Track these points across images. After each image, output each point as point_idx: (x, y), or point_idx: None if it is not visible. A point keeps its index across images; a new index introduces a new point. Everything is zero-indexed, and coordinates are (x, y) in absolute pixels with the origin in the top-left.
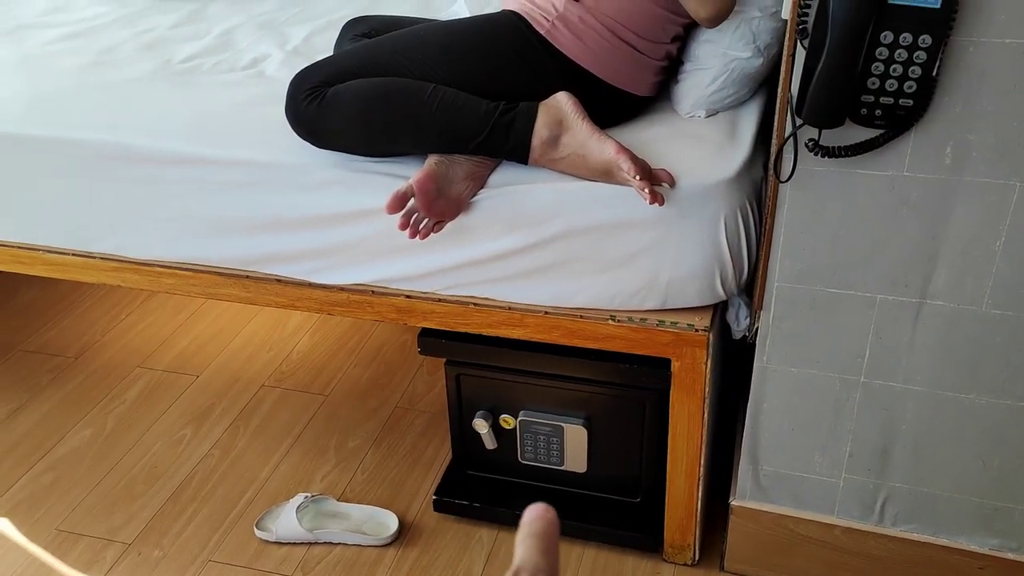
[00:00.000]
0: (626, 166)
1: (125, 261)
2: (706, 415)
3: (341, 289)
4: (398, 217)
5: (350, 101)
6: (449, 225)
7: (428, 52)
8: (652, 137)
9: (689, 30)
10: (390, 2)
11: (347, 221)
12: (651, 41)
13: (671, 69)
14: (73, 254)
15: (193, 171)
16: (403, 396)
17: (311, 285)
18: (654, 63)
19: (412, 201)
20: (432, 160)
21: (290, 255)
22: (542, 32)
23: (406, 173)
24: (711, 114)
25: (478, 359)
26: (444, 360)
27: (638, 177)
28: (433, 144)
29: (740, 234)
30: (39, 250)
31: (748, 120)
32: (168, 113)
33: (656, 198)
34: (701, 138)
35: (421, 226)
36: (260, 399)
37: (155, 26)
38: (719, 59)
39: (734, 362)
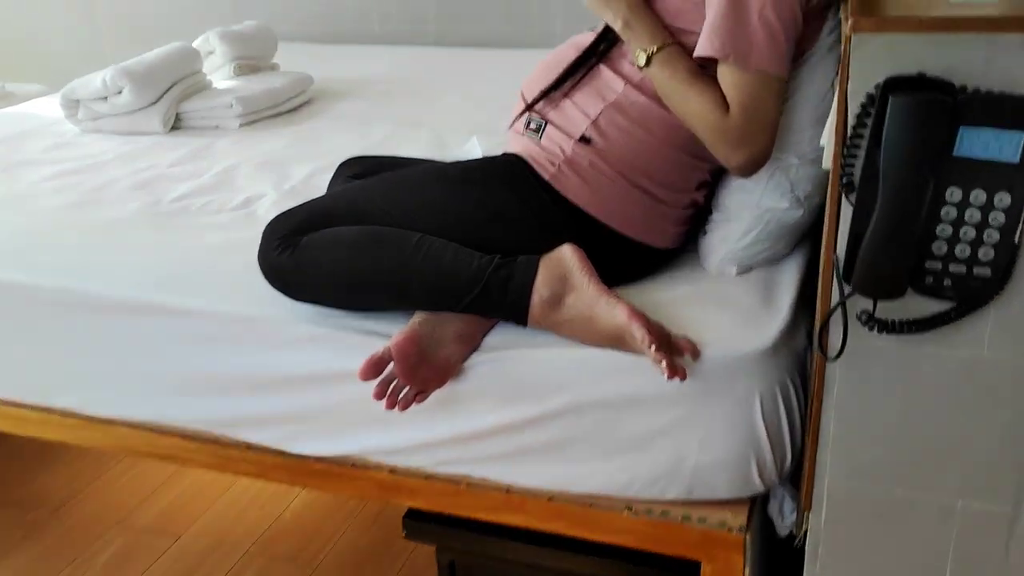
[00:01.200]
0: (639, 334)
1: (86, 418)
2: None
3: (318, 459)
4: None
5: (324, 251)
6: (437, 393)
7: (416, 197)
8: (673, 299)
9: (717, 176)
10: (404, 143)
11: (322, 384)
12: (672, 189)
13: (699, 217)
14: (31, 408)
15: (161, 323)
16: (403, 569)
17: (283, 454)
18: (676, 212)
19: (391, 366)
20: (416, 319)
21: (261, 418)
22: (546, 177)
23: (390, 330)
24: (744, 271)
25: (472, 547)
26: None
27: (654, 347)
28: (418, 301)
29: (780, 415)
30: None
31: (788, 279)
32: (141, 259)
33: (676, 372)
34: (731, 300)
35: (400, 396)
36: (240, 570)
37: (155, 163)
38: (752, 210)
39: (782, 563)
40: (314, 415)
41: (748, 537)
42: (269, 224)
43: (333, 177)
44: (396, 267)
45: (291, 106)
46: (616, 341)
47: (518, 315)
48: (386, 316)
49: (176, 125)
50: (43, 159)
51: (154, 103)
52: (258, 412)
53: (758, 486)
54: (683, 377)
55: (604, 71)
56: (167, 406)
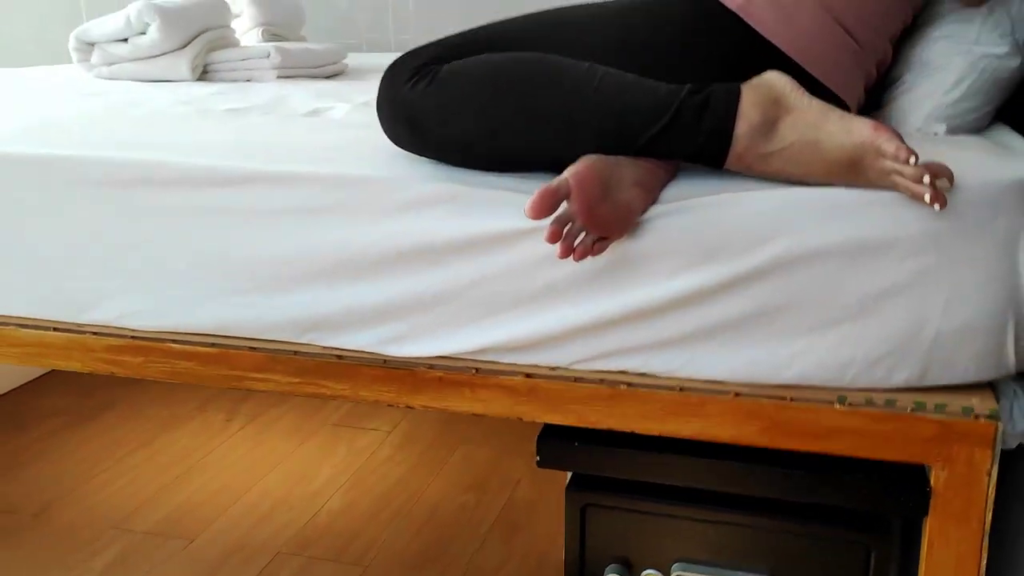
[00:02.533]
0: (892, 146)
1: (126, 335)
2: (983, 561)
3: (429, 366)
4: (535, 249)
5: (474, 78)
6: (600, 256)
7: (579, 26)
8: None
9: (907, 35)
10: None
11: (452, 255)
12: (872, 33)
13: (873, 91)
14: (55, 328)
15: (237, 195)
16: (465, 573)
17: (385, 363)
18: (868, 65)
19: (565, 205)
20: (590, 156)
21: (362, 315)
22: (732, 7)
23: (534, 187)
24: (953, 132)
25: (625, 473)
26: (565, 485)
27: (913, 160)
28: (591, 138)
29: None
30: (9, 324)
31: (1010, 138)
32: (207, 135)
33: (938, 197)
34: (964, 146)
35: (578, 241)
36: (274, 570)
37: (196, 96)
38: (964, 56)
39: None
40: (432, 301)
41: (1000, 428)
42: (394, 63)
43: None
44: (564, 95)
45: (326, 72)
46: (852, 168)
47: (718, 149)
48: (527, 177)
49: (202, 77)
50: (63, 95)
51: (182, 47)
52: (359, 304)
53: (1010, 364)
54: (943, 204)
55: None
56: (240, 307)
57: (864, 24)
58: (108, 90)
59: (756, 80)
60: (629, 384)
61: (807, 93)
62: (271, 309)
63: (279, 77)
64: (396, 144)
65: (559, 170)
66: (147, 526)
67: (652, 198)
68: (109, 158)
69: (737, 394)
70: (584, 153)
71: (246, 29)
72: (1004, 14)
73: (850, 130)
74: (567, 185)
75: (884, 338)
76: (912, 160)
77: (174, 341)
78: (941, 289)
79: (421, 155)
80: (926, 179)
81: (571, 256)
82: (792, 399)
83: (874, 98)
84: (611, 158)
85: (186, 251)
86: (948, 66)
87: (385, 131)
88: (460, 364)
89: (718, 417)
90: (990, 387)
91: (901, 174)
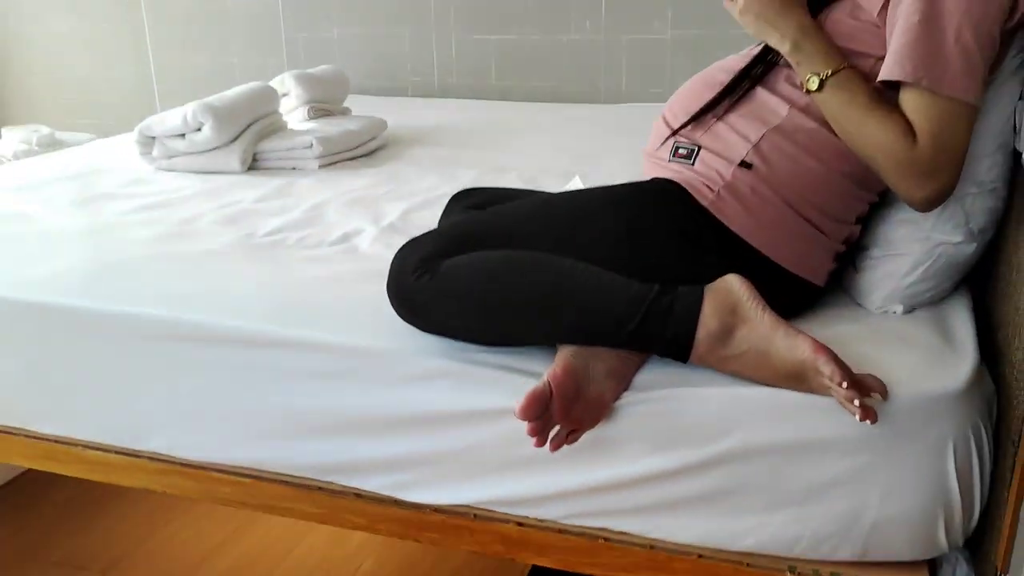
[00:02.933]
0: (827, 369)
1: (176, 463)
2: None
3: (435, 510)
4: (523, 423)
5: (467, 276)
6: (582, 436)
7: (561, 220)
8: (839, 336)
9: (875, 210)
10: (494, 184)
11: (451, 424)
12: (834, 220)
13: (845, 257)
14: (117, 452)
15: (266, 356)
16: None
17: (397, 503)
18: (833, 246)
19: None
20: (567, 351)
21: (375, 463)
22: (705, 204)
23: (529, 367)
24: (909, 310)
25: None
26: None
27: (844, 384)
28: (569, 332)
29: (973, 465)
30: (78, 446)
31: (959, 318)
32: (243, 289)
33: (868, 414)
34: (907, 339)
35: (553, 434)
36: None
37: (239, 199)
38: (921, 244)
39: None
40: (435, 459)
41: None
42: (403, 248)
43: (447, 208)
44: (545, 294)
45: (367, 149)
46: (795, 379)
47: (680, 350)
48: (518, 351)
49: (252, 166)
50: (121, 193)
51: (232, 141)
52: (372, 456)
53: (942, 546)
54: (874, 420)
55: (762, 94)
56: (269, 449)
57: (826, 215)
58: (162, 200)
59: (719, 284)
60: (607, 539)
61: (761, 304)
62: (298, 453)
63: (321, 167)
64: (404, 321)
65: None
66: None
67: (624, 385)
68: (159, 318)
69: (700, 556)
70: (567, 341)
71: (293, 107)
72: (958, 207)
73: (794, 348)
74: (548, 387)
75: (827, 521)
76: (844, 384)
77: (216, 471)
78: (877, 483)
79: (426, 332)
80: (856, 402)
81: (547, 447)
82: (748, 564)
83: (848, 259)
84: (587, 351)
85: (225, 399)
86: (908, 251)
87: (394, 309)
88: (461, 509)
89: (684, 573)
90: (927, 565)
91: (837, 392)
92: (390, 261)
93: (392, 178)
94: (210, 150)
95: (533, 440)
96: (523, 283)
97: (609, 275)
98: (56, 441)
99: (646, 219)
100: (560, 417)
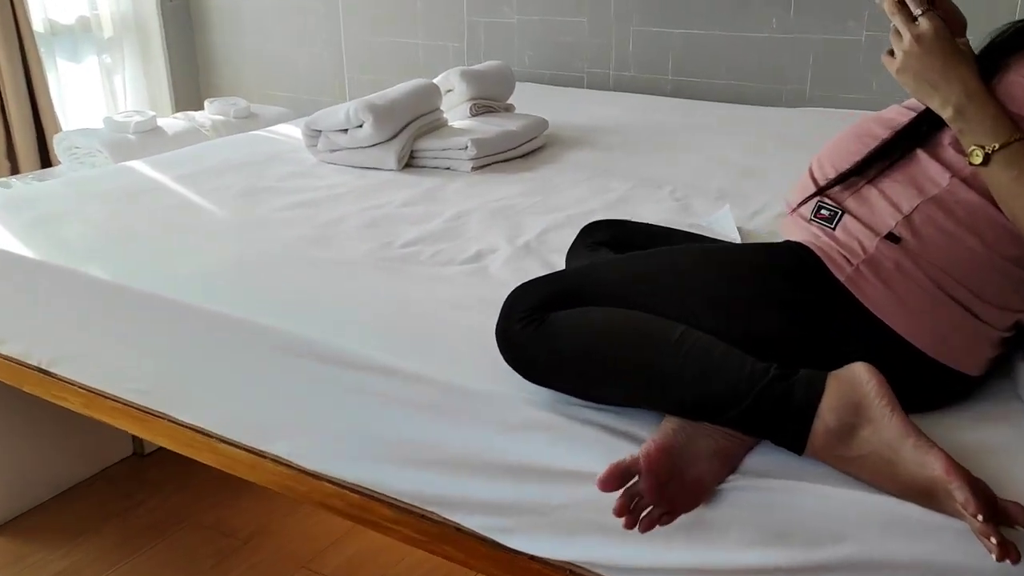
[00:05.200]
0: (961, 496)
1: (295, 469)
2: None
3: (531, 558)
4: (615, 495)
5: (572, 332)
6: (684, 515)
7: (678, 282)
8: (994, 443)
9: None
10: (644, 203)
11: (549, 478)
12: (996, 306)
13: (1013, 342)
14: (246, 449)
15: (376, 381)
16: None
17: (497, 545)
18: (994, 334)
19: (636, 478)
20: (670, 426)
21: (478, 503)
22: (841, 278)
23: (633, 431)
24: None
25: None
26: None
27: (980, 517)
28: (674, 405)
29: None
30: (212, 437)
31: None
32: (368, 312)
33: (1008, 552)
34: None
35: (644, 514)
36: None
37: (388, 201)
38: None
39: None
40: (536, 510)
41: None
42: (513, 294)
43: (576, 241)
44: (653, 361)
45: (525, 151)
46: (923, 495)
47: (794, 441)
48: (630, 412)
49: (409, 162)
50: (282, 187)
51: (391, 139)
52: (475, 496)
53: None
54: (1016, 560)
55: (923, 158)
56: (378, 471)
57: (981, 299)
58: (315, 198)
59: (845, 373)
60: None
61: (891, 403)
62: (403, 479)
63: (474, 168)
64: (509, 365)
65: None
66: (331, 568)
67: (731, 467)
68: (281, 331)
69: None
70: (672, 413)
71: (456, 104)
72: None
73: (923, 464)
74: (637, 465)
75: None
76: (980, 516)
77: (329, 481)
78: None
79: (529, 381)
80: (992, 539)
81: (636, 528)
82: None
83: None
84: (690, 427)
85: (338, 416)
86: None
87: (500, 352)
88: (558, 563)
89: None
90: None
91: (971, 523)
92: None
93: (542, 187)
94: (370, 146)
95: (622, 520)
96: (628, 350)
97: (724, 347)
98: (195, 430)
99: (773, 289)
100: (652, 497)
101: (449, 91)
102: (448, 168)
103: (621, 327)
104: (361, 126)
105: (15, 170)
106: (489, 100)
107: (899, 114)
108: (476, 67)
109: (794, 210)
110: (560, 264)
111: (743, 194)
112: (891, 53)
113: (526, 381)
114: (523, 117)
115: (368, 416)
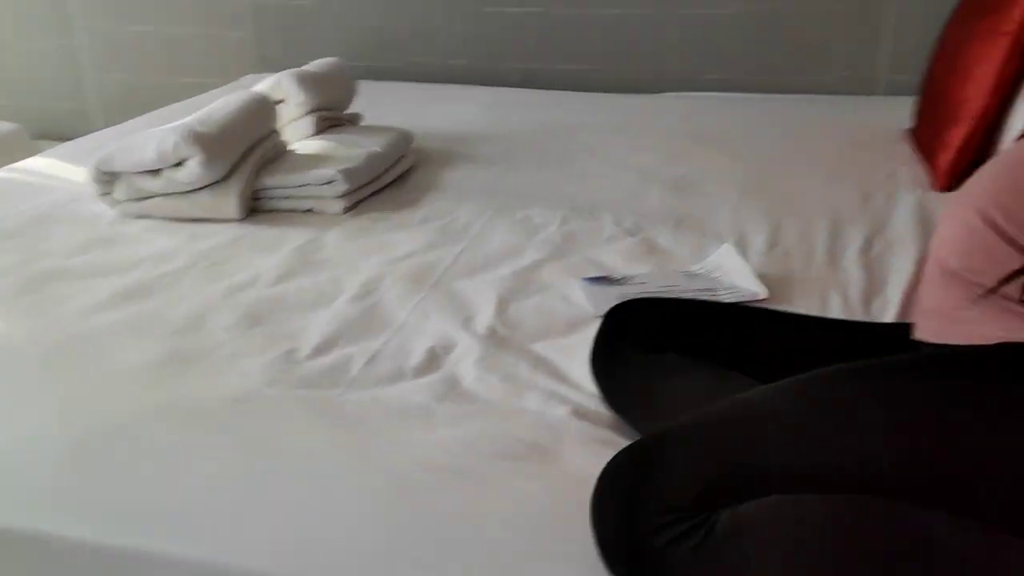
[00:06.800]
0: None
1: None
2: None
3: None
4: None
5: (789, 545)
6: None
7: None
8: None
9: None
10: (593, 243)
11: None
12: None
13: None
14: None
15: None
16: None
17: None
18: None
19: None
20: None
21: None
22: None
23: None
24: None
25: None
26: None
27: None
28: None
29: None
30: None
31: None
32: (305, 513)
33: None
34: None
35: None
36: None
37: (255, 277)
38: None
39: None
40: None
41: None
42: (624, 471)
43: (604, 340)
44: None
45: (393, 176)
46: None
47: None
48: None
49: (253, 206)
50: (77, 269)
51: (227, 177)
52: None
53: None
54: None
55: None
56: None
57: None
58: (140, 282)
59: None
60: None
61: None
62: None
63: (346, 209)
64: None
65: None
66: None
67: None
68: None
69: None
70: None
71: (293, 117)
72: None
73: None
74: None
75: None
76: None
77: None
78: None
79: None
80: None
81: None
82: None
83: None
84: None
85: None
86: None
87: None
88: None
89: None
90: None
91: None
92: (596, 477)
93: (450, 229)
94: (196, 191)
95: None
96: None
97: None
98: None
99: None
100: None
101: (279, 102)
102: (309, 210)
103: (877, 529)
104: (181, 164)
105: None
106: (333, 111)
107: None
108: (309, 68)
109: (991, 291)
110: (564, 359)
111: (697, 217)
112: None
113: None
114: (380, 131)
115: None
